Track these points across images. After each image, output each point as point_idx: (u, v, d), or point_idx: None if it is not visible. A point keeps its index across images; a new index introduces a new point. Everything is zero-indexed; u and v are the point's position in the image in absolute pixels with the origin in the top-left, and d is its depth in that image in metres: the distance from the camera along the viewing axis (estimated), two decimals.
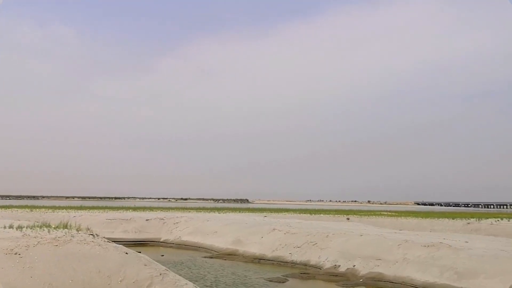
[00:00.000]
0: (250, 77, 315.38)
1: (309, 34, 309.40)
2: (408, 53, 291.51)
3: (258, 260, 25.33)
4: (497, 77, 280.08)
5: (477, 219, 43.47)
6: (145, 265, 13.44)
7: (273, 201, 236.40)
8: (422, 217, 47.18)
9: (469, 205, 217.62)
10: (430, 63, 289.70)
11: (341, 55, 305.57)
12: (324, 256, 22.75)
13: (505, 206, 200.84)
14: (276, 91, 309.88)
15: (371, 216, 49.14)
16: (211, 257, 26.63)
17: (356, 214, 52.32)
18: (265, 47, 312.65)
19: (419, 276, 17.86)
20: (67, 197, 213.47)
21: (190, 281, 14.47)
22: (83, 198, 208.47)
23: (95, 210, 44.64)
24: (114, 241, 16.12)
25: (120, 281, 12.40)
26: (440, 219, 44.17)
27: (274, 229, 28.42)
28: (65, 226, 16.51)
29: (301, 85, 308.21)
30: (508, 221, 41.90)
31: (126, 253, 13.82)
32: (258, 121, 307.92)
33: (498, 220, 42.17)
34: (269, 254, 25.49)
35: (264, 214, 50.12)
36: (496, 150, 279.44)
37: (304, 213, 53.77)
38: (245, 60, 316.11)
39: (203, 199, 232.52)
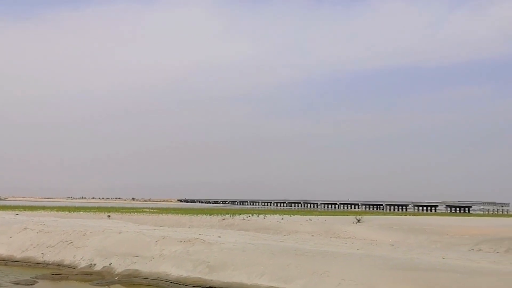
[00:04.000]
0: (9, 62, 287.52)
1: (78, 25, 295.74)
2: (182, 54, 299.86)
3: (5, 262, 23.16)
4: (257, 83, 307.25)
5: (231, 215, 46.80)
6: None
7: (29, 198, 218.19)
8: (182, 214, 48.93)
9: (226, 202, 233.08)
10: (200, 65, 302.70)
11: (110, 51, 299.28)
12: (80, 255, 21.85)
13: (257, 203, 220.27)
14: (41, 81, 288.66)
15: (133, 213, 49.13)
16: None
17: (118, 212, 51.72)
18: (31, 31, 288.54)
19: (174, 271, 18.37)
20: None
21: None
22: None
23: None
24: None
25: None
26: (199, 215, 46.35)
27: (25, 228, 26.28)
28: None
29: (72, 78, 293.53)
30: (258, 216, 46.10)
31: None
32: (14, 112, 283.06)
33: (249, 216, 46.04)
34: (18, 255, 23.47)
35: (16, 212, 46.08)
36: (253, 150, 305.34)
37: (63, 210, 51.00)
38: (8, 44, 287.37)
39: None
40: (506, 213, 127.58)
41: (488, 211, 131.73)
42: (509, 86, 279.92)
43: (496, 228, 37.54)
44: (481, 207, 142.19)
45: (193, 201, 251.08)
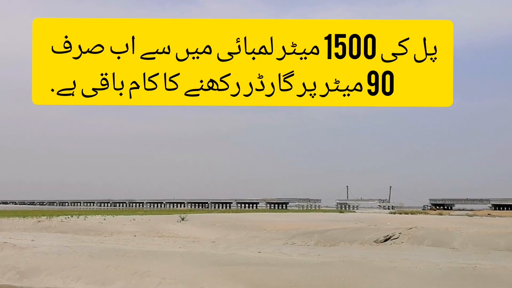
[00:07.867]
0: None
1: None
2: None
3: None
4: None
5: (49, 216, 44.07)
6: None
7: None
8: None
9: (44, 203, 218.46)
10: None
11: None
12: None
13: (79, 204, 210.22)
14: None
15: None
16: None
17: None
18: None
19: None
20: None
21: None
22: None
23: None
24: None
25: None
26: (10, 218, 43.00)
27: None
28: None
29: None
30: (78, 217, 44.06)
31: None
32: None
33: (68, 217, 43.77)
34: None
35: None
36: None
37: None
38: None
39: None
40: (318, 208, 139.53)
41: (303, 207, 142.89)
42: None
43: (308, 222, 40.79)
44: (297, 203, 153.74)
45: (5, 203, 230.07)
